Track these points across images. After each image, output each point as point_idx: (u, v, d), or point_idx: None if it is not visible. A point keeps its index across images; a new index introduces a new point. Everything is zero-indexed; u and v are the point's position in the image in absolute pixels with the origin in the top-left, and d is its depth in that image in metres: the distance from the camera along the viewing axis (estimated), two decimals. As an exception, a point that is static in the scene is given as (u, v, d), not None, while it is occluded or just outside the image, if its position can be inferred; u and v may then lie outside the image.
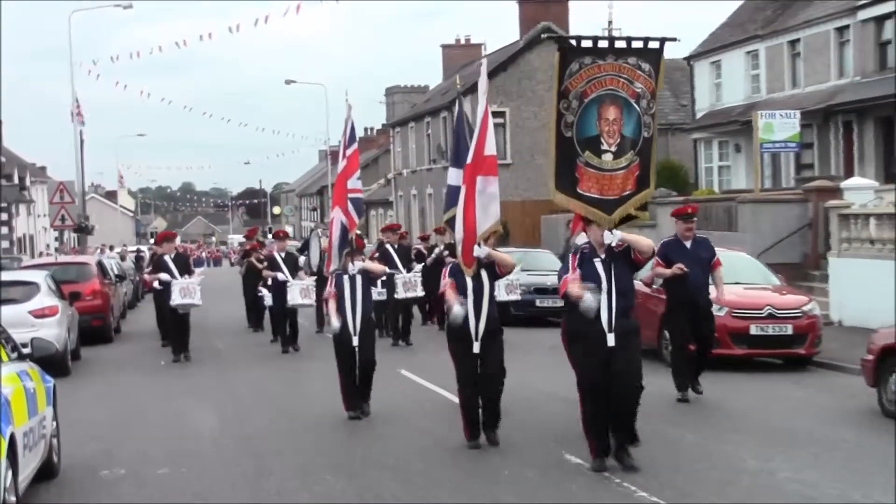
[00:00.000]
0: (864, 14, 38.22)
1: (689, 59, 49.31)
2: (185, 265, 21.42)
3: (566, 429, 12.56)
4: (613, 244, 10.90)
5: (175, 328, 21.44)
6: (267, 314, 25.17)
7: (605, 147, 11.15)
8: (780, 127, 32.91)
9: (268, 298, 23.26)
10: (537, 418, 14.13)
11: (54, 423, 11.68)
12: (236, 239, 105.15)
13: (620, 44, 11.56)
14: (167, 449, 12.91)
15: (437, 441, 12.89)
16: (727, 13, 47.64)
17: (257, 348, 23.72)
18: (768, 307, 18.07)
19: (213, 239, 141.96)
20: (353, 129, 15.75)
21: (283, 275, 22.11)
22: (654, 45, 11.48)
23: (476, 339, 12.16)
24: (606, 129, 11.15)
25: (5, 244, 60.87)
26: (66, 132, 49.53)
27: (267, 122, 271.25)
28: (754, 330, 17.90)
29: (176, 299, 20.65)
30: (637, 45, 11.43)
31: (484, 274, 12.23)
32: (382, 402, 14.88)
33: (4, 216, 63.30)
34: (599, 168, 11.15)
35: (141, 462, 12.20)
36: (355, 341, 14.22)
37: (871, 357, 14.28)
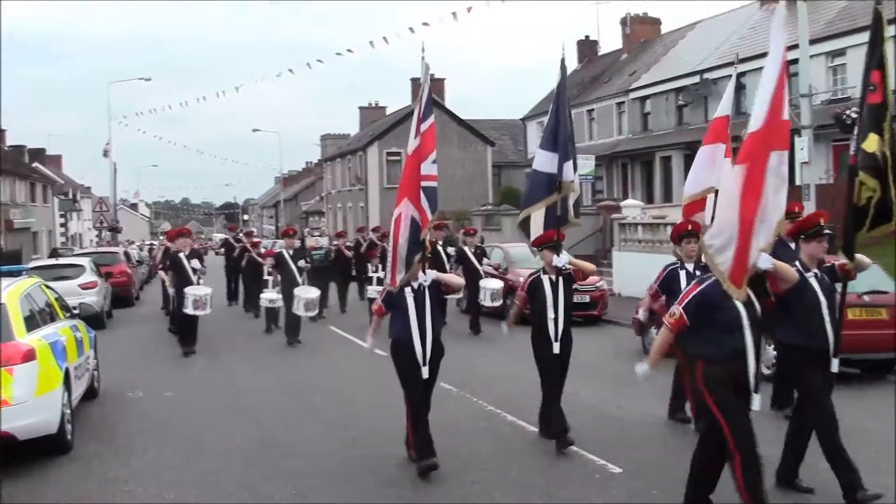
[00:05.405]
0: (633, 94, 39.28)
1: (523, 119, 49.81)
2: (198, 260, 15.93)
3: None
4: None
5: (185, 326, 15.70)
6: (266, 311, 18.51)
7: None
8: (582, 166, 32.92)
9: (277, 300, 17.29)
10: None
11: (95, 361, 11.53)
12: (218, 236, 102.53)
13: None
14: (171, 379, 12.76)
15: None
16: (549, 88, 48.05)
17: (234, 317, 21.51)
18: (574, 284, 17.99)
19: (203, 236, 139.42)
20: (430, 97, 7.87)
21: (293, 272, 16.60)
22: None
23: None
24: None
25: (62, 240, 60.24)
26: (105, 163, 49.14)
27: (239, 156, 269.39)
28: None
29: (189, 309, 15.05)
30: None
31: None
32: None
33: (62, 220, 62.85)
34: None
35: (154, 387, 12.06)
36: (425, 373, 7.48)
37: (638, 317, 14.63)
